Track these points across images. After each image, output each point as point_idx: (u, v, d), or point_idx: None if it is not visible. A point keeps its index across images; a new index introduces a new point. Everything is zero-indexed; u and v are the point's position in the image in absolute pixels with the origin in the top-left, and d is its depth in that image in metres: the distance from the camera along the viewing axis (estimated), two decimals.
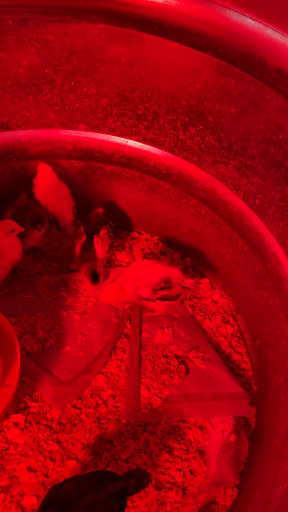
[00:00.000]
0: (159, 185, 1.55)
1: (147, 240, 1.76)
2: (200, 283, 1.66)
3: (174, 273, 1.38)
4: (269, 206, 1.23)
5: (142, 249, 1.72)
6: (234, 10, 1.03)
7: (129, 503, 1.09)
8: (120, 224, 1.75)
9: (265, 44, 1.01)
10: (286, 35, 0.99)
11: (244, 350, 1.49)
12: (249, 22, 1.02)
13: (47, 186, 1.49)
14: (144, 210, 1.69)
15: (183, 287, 1.38)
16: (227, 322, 1.55)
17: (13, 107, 1.32)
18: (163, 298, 1.38)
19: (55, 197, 1.50)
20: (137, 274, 1.37)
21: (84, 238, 1.44)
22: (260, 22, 1.01)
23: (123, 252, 1.68)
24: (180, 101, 1.27)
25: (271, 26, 0.99)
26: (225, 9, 1.04)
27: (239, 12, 1.03)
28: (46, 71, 1.26)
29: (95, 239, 1.43)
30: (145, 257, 1.69)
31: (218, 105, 1.21)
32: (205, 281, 1.66)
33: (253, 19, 1.01)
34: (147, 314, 1.49)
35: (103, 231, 1.47)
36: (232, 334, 1.52)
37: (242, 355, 1.48)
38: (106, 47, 1.21)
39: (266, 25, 1.00)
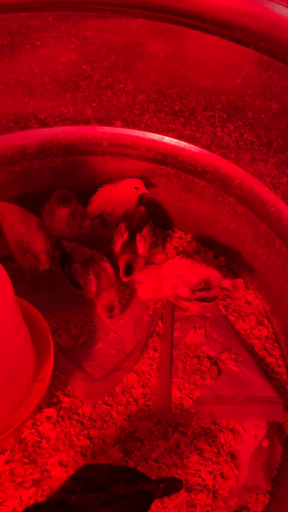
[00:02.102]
0: (194, 183, 1.52)
1: (180, 238, 1.74)
2: (235, 283, 1.62)
3: (213, 274, 1.35)
4: None
5: (175, 247, 1.70)
6: (278, 3, 0.99)
7: (158, 503, 1.08)
8: (154, 222, 1.73)
9: None
10: None
11: (279, 354, 1.45)
12: None
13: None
14: (178, 207, 1.67)
15: (222, 288, 1.36)
16: (261, 324, 1.51)
17: (51, 104, 1.33)
18: (201, 299, 1.36)
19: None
20: (176, 273, 1.36)
21: (126, 235, 1.43)
22: None
23: (156, 250, 1.67)
24: (219, 97, 1.24)
25: None
26: (268, 2, 1.00)
27: (283, 5, 0.99)
28: (84, 67, 1.26)
29: (138, 237, 1.42)
30: (178, 255, 1.67)
31: (259, 101, 1.17)
32: (239, 281, 1.63)
33: None
34: (179, 313, 1.47)
35: (145, 230, 1.46)
36: (267, 337, 1.49)
37: (276, 358, 1.44)
38: (145, 43, 1.20)
39: None
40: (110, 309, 1.35)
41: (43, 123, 1.38)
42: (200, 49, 1.17)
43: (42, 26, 1.14)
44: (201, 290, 1.34)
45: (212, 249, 1.71)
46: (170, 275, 1.37)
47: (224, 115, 1.27)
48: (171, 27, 1.14)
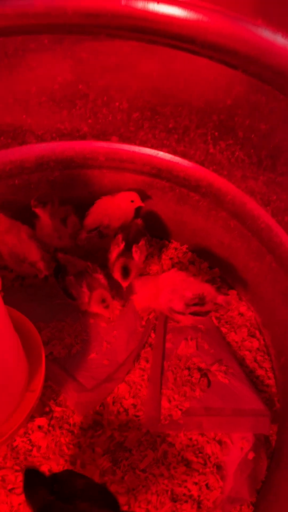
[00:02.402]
0: (189, 196, 1.55)
1: (176, 249, 1.77)
2: (228, 294, 1.65)
3: (207, 289, 1.39)
4: None
5: (171, 258, 1.73)
6: (265, 29, 1.02)
7: (143, 511, 1.12)
8: (150, 232, 1.77)
9: None
10: None
11: (269, 366, 1.47)
12: (280, 40, 1.01)
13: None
14: (174, 219, 1.70)
15: (215, 303, 1.39)
16: (253, 336, 1.54)
17: (48, 121, 1.37)
18: (194, 313, 1.39)
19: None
20: (171, 287, 1.39)
21: (122, 246, 1.47)
22: None
23: (151, 260, 1.70)
24: (210, 116, 1.27)
25: None
26: (256, 27, 1.03)
27: (270, 31, 1.02)
28: (80, 86, 1.29)
29: (134, 249, 1.46)
30: (173, 266, 1.71)
31: (249, 121, 1.20)
32: (232, 293, 1.66)
33: (285, 38, 1.00)
34: (172, 324, 1.51)
35: (141, 242, 1.50)
36: (258, 349, 1.51)
37: (266, 370, 1.46)
38: (139, 63, 1.24)
39: None
40: (103, 300, 1.40)
41: (41, 139, 1.42)
42: (191, 70, 1.20)
43: (38, 48, 1.18)
44: (195, 305, 1.37)
45: (207, 260, 1.74)
46: (166, 288, 1.40)
47: (216, 133, 1.30)
48: (163, 50, 1.17)
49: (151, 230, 1.76)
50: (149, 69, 1.24)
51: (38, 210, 1.46)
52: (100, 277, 1.45)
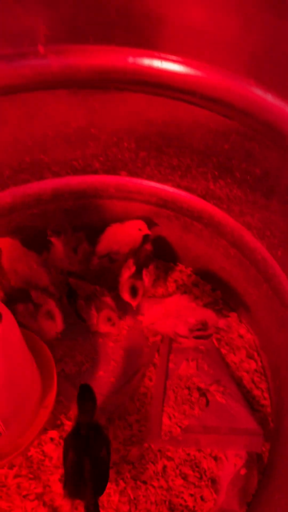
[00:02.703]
0: (192, 225, 1.67)
1: (181, 271, 1.89)
2: (229, 316, 1.75)
3: (210, 315, 1.51)
4: None
5: (175, 281, 1.85)
6: (257, 88, 1.13)
7: None
8: (158, 255, 1.89)
9: (284, 120, 1.11)
10: None
11: (265, 387, 1.57)
12: (271, 99, 1.12)
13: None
14: (179, 245, 1.82)
15: (217, 328, 1.51)
16: (251, 358, 1.64)
17: (63, 159, 1.51)
18: (197, 337, 1.51)
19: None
20: (177, 312, 1.52)
21: (133, 269, 1.60)
22: (282, 100, 1.10)
23: (157, 283, 1.82)
24: (210, 157, 1.38)
25: None
26: (249, 86, 1.14)
27: (261, 90, 1.13)
28: (92, 131, 1.42)
29: (144, 272, 1.59)
30: (177, 288, 1.82)
31: (245, 165, 1.30)
32: (233, 315, 1.76)
33: (275, 97, 1.11)
34: (175, 345, 1.62)
35: (151, 266, 1.63)
36: (255, 370, 1.61)
37: (262, 391, 1.56)
38: (145, 112, 1.36)
39: (286, 103, 1.09)
40: (109, 319, 1.53)
41: (57, 174, 1.56)
42: (193, 118, 1.31)
43: (55, 100, 1.31)
44: (198, 330, 1.49)
45: (210, 282, 1.84)
46: (171, 312, 1.53)
47: (216, 173, 1.41)
48: (167, 101, 1.29)
49: (158, 253, 1.88)
50: (154, 117, 1.35)
51: (53, 239, 1.61)
52: (107, 299, 1.57)
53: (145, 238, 1.72)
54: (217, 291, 1.82)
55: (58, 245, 1.62)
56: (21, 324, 1.37)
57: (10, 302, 1.39)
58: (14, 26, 1.12)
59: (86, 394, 1.24)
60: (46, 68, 1.20)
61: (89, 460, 1.08)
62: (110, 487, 1.28)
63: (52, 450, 1.32)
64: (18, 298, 1.45)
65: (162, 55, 1.19)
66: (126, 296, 1.59)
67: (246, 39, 1.07)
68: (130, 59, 1.22)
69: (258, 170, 1.28)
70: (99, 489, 1.10)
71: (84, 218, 1.77)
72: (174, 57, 1.19)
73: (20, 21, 1.12)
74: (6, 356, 1.06)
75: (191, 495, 1.29)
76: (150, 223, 1.72)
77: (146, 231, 1.67)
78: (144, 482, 1.30)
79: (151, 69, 1.22)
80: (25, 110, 1.31)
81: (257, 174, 1.29)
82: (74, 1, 1.10)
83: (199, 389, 1.50)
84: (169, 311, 1.55)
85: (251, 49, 1.08)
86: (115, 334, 1.61)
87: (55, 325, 1.46)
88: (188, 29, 1.12)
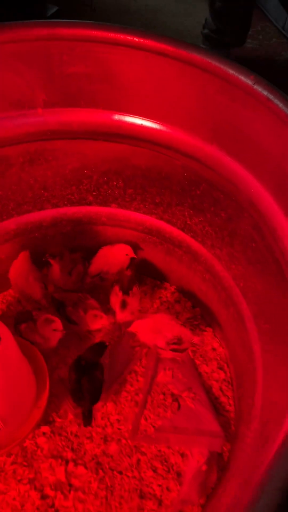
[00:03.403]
0: (174, 251, 1.90)
1: (166, 288, 2.12)
2: (205, 331, 1.98)
3: (185, 332, 1.73)
4: (249, 291, 1.53)
5: (160, 297, 2.08)
6: (219, 150, 1.35)
7: (117, 504, 1.49)
8: (145, 274, 2.13)
9: (238, 178, 1.33)
10: (254, 176, 1.29)
11: (231, 395, 1.80)
12: (229, 160, 1.34)
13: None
14: (164, 266, 2.05)
15: (191, 343, 1.74)
16: (221, 368, 1.87)
17: (61, 194, 1.75)
18: (173, 350, 1.74)
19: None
20: (158, 328, 1.75)
21: (120, 295, 1.83)
22: (238, 163, 1.32)
23: (143, 300, 2.05)
24: (186, 199, 1.61)
25: (245, 169, 1.31)
26: (212, 148, 1.36)
27: (222, 152, 1.35)
28: (85, 171, 1.66)
29: (130, 294, 1.82)
30: (161, 304, 2.05)
31: (213, 208, 1.53)
32: (209, 330, 1.99)
33: (233, 159, 1.33)
34: (155, 355, 1.86)
35: (135, 288, 1.86)
36: (224, 379, 1.84)
37: (228, 398, 1.79)
38: (131, 158, 1.59)
39: (242, 167, 1.31)
40: (95, 315, 1.77)
41: (55, 205, 1.80)
42: (170, 167, 1.53)
43: (52, 148, 1.54)
44: (174, 344, 1.72)
45: (191, 300, 2.07)
46: (154, 329, 1.76)
47: (191, 211, 1.64)
48: (148, 152, 1.51)
49: (147, 271, 2.12)
50: (138, 163, 1.58)
51: (51, 261, 1.85)
52: (91, 301, 1.82)
53: (131, 260, 1.95)
54: (196, 308, 2.05)
55: (55, 266, 1.87)
56: (25, 339, 1.65)
57: (16, 324, 1.68)
58: (18, 94, 1.36)
59: (100, 344, 1.64)
60: (44, 125, 1.45)
61: (87, 378, 1.50)
62: (90, 476, 1.53)
63: (44, 442, 1.57)
64: (23, 320, 1.69)
65: (142, 117, 1.42)
66: (116, 308, 1.83)
67: (209, 114, 1.29)
68: (115, 117, 1.45)
69: (223, 214, 1.50)
70: (94, 399, 1.51)
71: (80, 241, 2.01)
72: (151, 120, 1.41)
73: (23, 90, 1.35)
74: (5, 367, 1.30)
75: (159, 485, 1.54)
76: (137, 248, 1.95)
77: (131, 255, 1.90)
78: (120, 473, 1.55)
79: (133, 125, 1.46)
80: (28, 157, 1.55)
81: (223, 217, 1.51)
82: (67, 75, 1.34)
83: (172, 395, 1.73)
84: (152, 327, 1.78)
85: (213, 121, 1.30)
86: (106, 327, 1.84)
87: (56, 325, 1.69)
88: (162, 103, 1.35)
